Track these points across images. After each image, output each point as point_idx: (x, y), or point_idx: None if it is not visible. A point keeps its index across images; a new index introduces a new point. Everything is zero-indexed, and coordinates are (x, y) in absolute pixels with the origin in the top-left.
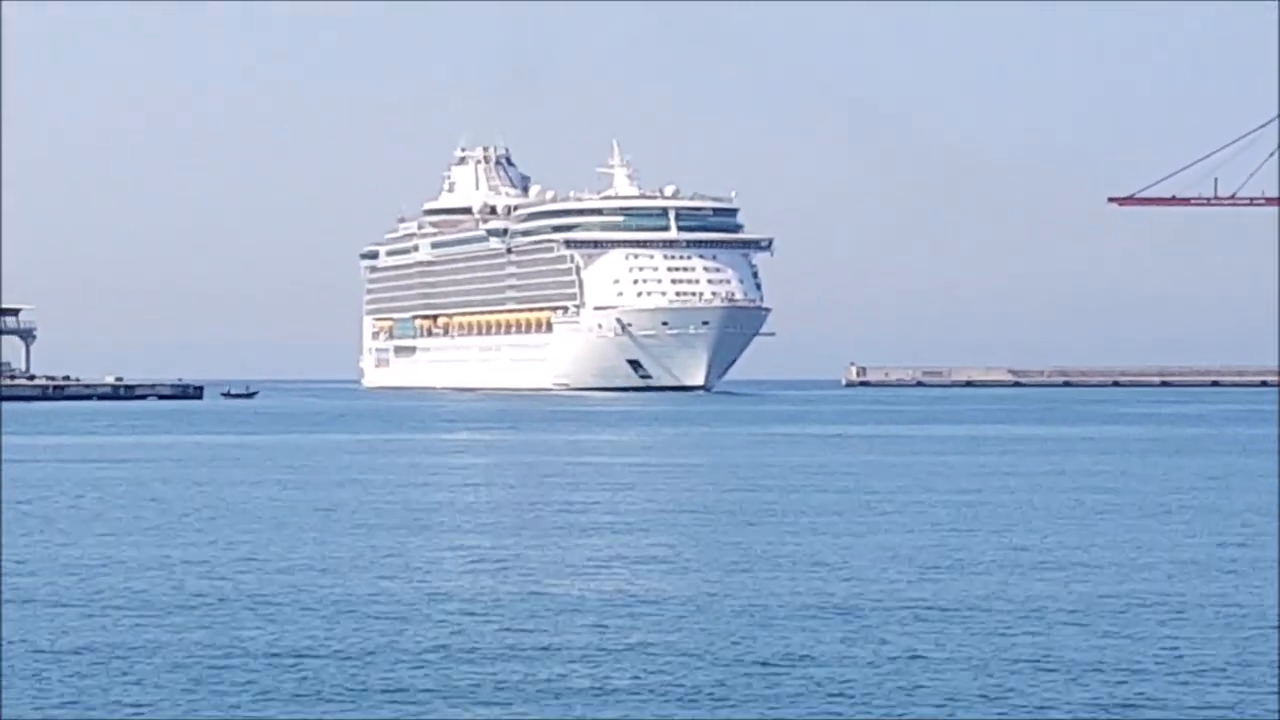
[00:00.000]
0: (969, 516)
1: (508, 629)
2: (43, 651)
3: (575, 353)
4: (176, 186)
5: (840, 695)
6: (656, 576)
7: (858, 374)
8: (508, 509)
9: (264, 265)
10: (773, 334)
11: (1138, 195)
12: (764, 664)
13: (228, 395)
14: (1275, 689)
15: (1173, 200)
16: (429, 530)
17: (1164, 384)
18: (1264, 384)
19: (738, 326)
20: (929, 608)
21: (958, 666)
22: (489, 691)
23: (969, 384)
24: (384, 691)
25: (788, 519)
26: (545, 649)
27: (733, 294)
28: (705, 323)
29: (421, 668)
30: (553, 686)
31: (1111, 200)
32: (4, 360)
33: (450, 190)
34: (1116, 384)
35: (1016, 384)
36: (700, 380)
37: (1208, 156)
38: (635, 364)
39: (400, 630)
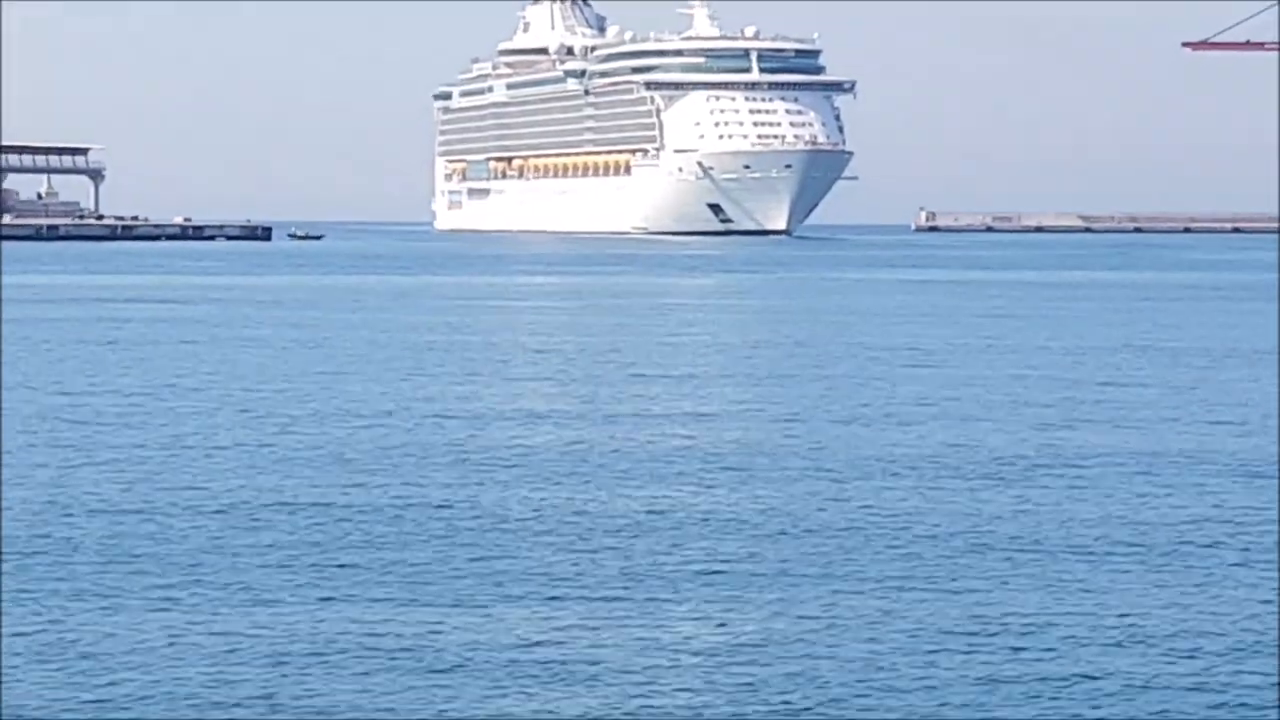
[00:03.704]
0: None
1: (580, 474)
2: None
3: (654, 196)
4: (248, 27)
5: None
6: (742, 424)
7: (927, 219)
8: (588, 354)
9: (335, 105)
10: (855, 178)
11: (1211, 40)
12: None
13: (294, 237)
14: None
15: (1247, 45)
16: (510, 374)
17: (1235, 230)
18: None
19: (820, 170)
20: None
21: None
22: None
23: (1039, 229)
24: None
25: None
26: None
27: (815, 137)
28: (788, 166)
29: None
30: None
31: (1185, 45)
32: (73, 200)
33: (525, 31)
34: (1188, 230)
35: (1087, 230)
36: (782, 224)
37: None
38: (716, 208)
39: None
